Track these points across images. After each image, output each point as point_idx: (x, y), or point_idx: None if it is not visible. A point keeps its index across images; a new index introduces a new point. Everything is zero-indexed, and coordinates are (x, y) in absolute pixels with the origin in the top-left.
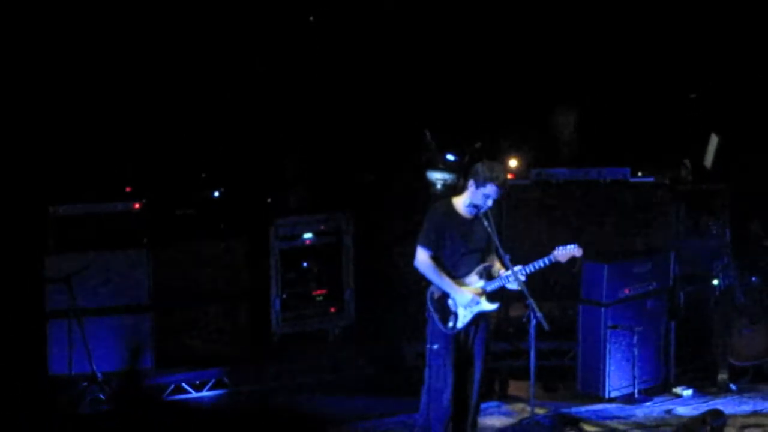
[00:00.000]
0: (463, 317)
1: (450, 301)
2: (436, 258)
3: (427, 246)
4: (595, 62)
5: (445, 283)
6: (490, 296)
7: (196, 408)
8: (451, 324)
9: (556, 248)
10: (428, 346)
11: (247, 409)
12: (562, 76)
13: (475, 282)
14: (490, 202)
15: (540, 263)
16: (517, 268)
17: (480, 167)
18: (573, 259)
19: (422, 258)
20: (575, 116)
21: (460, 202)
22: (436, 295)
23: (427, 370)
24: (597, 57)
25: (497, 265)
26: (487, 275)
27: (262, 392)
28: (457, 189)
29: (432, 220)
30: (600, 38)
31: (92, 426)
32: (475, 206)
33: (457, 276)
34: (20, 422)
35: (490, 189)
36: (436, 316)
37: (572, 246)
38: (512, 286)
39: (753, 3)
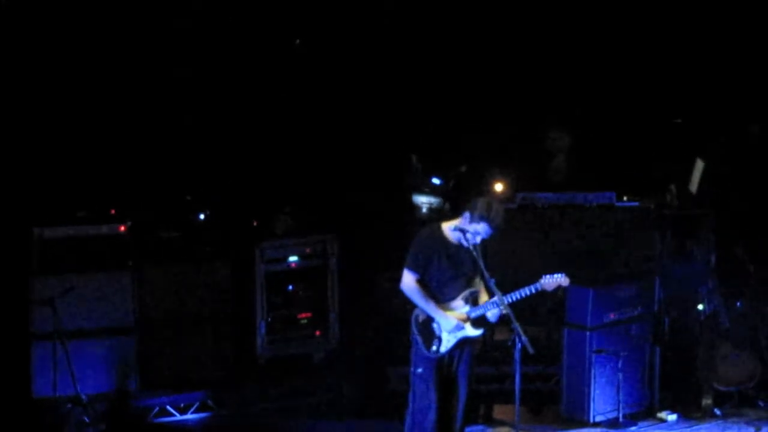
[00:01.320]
0: (447, 342)
1: (434, 325)
2: (422, 282)
3: (414, 269)
4: (581, 87)
5: (430, 307)
6: (475, 322)
7: (181, 430)
8: (434, 348)
9: (543, 277)
10: (412, 369)
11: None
12: (549, 101)
13: (460, 307)
14: (478, 239)
15: (526, 291)
16: (501, 296)
17: (480, 203)
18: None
19: (408, 281)
20: (569, 141)
21: (449, 227)
22: (420, 319)
23: (410, 393)
24: (583, 82)
25: (483, 293)
26: (473, 301)
27: (246, 415)
28: (442, 213)
29: (420, 244)
30: (586, 65)
31: None
32: (463, 232)
33: (443, 300)
34: None
35: (483, 228)
36: (419, 340)
37: (559, 275)
38: (493, 314)
39: (737, 30)
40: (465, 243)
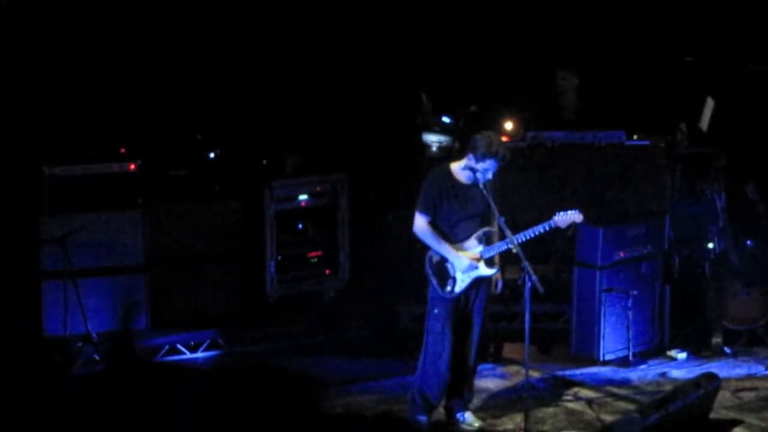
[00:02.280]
0: (462, 282)
1: (448, 266)
2: (433, 223)
3: (424, 212)
4: (591, 25)
5: (443, 248)
6: (489, 261)
7: (191, 368)
8: (449, 288)
9: (557, 213)
10: (429, 310)
11: (241, 370)
12: (560, 39)
13: (473, 247)
14: (489, 175)
15: (540, 229)
16: (511, 234)
17: (479, 142)
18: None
19: (420, 224)
20: (577, 81)
21: (458, 168)
22: (434, 260)
23: (426, 334)
24: (594, 20)
25: (496, 232)
26: (486, 240)
27: (256, 353)
28: (452, 151)
29: (429, 186)
30: (598, 1)
31: (86, 386)
32: (473, 171)
33: (456, 241)
34: (16, 383)
35: (490, 164)
36: (434, 281)
37: (573, 212)
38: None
39: None
40: (478, 181)
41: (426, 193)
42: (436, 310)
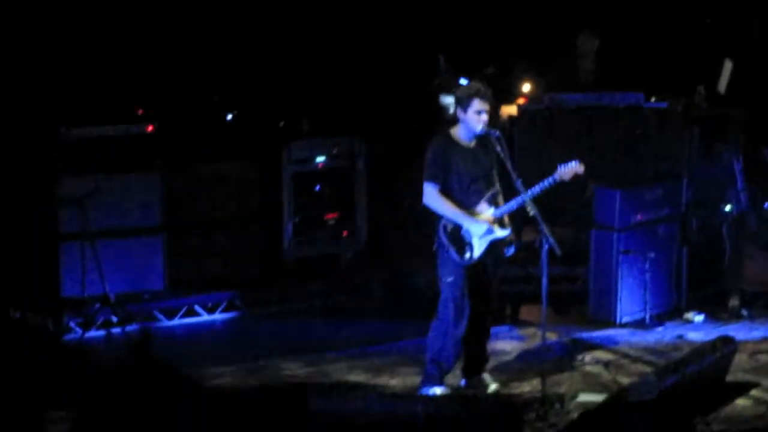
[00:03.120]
0: (479, 246)
1: (464, 232)
2: (444, 191)
3: (433, 181)
4: None
5: (457, 215)
6: (501, 222)
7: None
8: (468, 255)
9: (559, 166)
10: (442, 279)
11: (259, 330)
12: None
13: (485, 210)
14: (485, 117)
15: (545, 183)
16: (528, 196)
17: (456, 95)
18: (585, 185)
19: (431, 193)
20: (598, 43)
21: (457, 131)
22: (449, 228)
23: (441, 303)
24: None
25: (500, 191)
26: (494, 202)
27: (274, 314)
28: None
29: (434, 154)
30: None
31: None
32: (472, 129)
33: (468, 206)
34: (33, 344)
35: (476, 104)
36: (452, 249)
37: (573, 163)
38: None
39: None
40: (490, 133)
41: (432, 162)
42: (451, 278)
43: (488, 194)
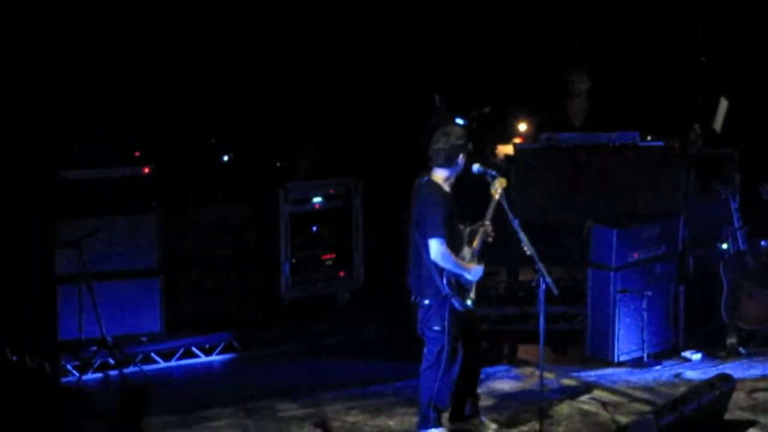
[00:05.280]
0: (473, 289)
1: (464, 281)
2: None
3: (442, 236)
4: (605, 26)
5: (461, 268)
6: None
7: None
8: (468, 301)
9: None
10: (431, 328)
11: (256, 371)
12: (571, 39)
13: (468, 253)
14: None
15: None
16: (526, 237)
17: (454, 149)
18: (582, 224)
19: (441, 249)
20: (588, 84)
21: (442, 180)
22: (453, 281)
23: (435, 352)
24: (608, 20)
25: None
26: (470, 242)
27: (271, 355)
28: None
29: (440, 208)
30: (610, 2)
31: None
32: (459, 170)
33: (456, 251)
34: (31, 388)
35: (462, 159)
36: (456, 298)
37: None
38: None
39: None
40: (487, 173)
41: (437, 218)
42: (441, 327)
43: (465, 235)
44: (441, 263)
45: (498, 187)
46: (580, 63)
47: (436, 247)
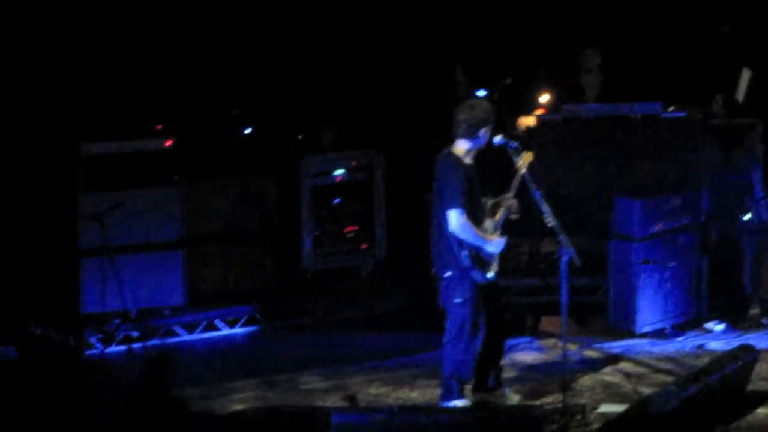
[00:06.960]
0: (496, 262)
1: (485, 253)
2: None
3: (461, 207)
4: None
5: (481, 239)
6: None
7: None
8: (490, 273)
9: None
10: (453, 301)
11: (279, 344)
12: (593, 9)
13: (490, 224)
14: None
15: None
16: (549, 209)
17: (475, 118)
18: (603, 196)
19: (460, 221)
20: (600, 59)
21: (464, 152)
22: (472, 254)
23: (457, 324)
24: None
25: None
26: (492, 214)
27: (293, 327)
28: None
29: (459, 180)
30: None
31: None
32: (483, 143)
33: (478, 224)
34: (54, 360)
35: (485, 133)
36: (476, 270)
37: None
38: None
39: None
40: (509, 144)
41: (456, 187)
42: (463, 299)
43: (487, 208)
44: (460, 234)
45: (525, 161)
46: (603, 33)
47: (455, 218)
